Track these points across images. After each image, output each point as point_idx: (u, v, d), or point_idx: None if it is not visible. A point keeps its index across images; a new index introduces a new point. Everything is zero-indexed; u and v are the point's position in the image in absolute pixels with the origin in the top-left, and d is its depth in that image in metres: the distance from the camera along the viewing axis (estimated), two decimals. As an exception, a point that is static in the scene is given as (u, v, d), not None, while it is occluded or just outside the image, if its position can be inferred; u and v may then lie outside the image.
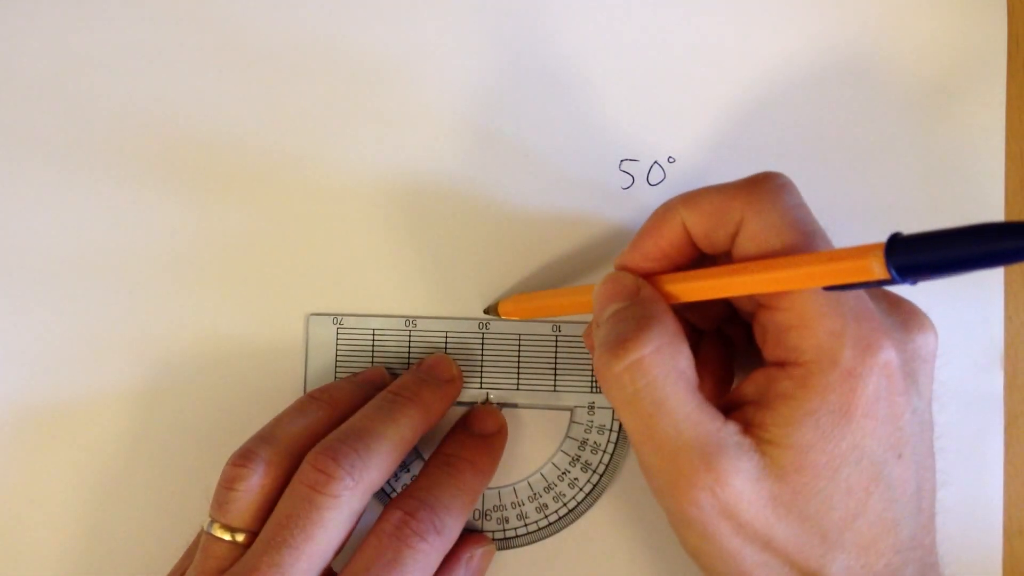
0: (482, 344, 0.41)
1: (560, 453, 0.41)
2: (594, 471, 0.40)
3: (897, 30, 0.42)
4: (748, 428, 0.31)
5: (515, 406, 0.41)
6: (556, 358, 0.41)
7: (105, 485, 0.41)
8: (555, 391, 0.41)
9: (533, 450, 0.41)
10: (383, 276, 0.41)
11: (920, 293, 0.41)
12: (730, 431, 0.31)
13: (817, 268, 0.29)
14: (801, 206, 0.32)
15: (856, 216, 0.41)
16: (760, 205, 0.31)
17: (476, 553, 0.39)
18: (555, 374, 0.41)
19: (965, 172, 0.42)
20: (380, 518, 0.36)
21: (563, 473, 0.41)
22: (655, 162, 0.42)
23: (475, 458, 0.39)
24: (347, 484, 0.34)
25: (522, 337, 0.41)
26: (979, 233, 0.24)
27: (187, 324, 0.41)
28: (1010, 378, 0.42)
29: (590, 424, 0.41)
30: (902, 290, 0.30)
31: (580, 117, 0.42)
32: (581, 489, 0.40)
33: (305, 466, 0.34)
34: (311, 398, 0.38)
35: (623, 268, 0.35)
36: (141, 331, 0.41)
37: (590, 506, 0.40)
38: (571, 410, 0.41)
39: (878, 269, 0.26)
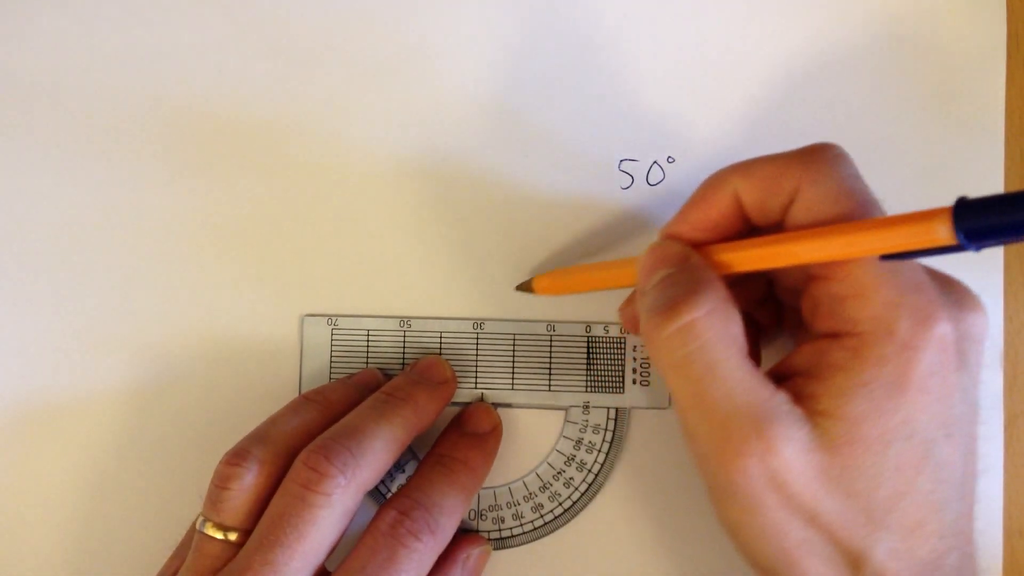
0: (476, 344, 0.41)
1: (555, 453, 0.41)
2: (589, 470, 0.40)
3: (897, 30, 0.42)
4: (799, 399, 0.30)
5: (510, 406, 0.41)
6: (551, 358, 0.41)
7: (98, 484, 0.41)
8: (550, 391, 0.41)
9: (528, 450, 0.41)
10: (378, 277, 0.41)
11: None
12: (781, 399, 0.30)
13: (880, 233, 0.28)
14: (857, 177, 0.31)
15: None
16: (817, 175, 0.31)
17: (473, 553, 0.39)
18: (550, 374, 0.41)
19: (965, 172, 0.42)
20: (375, 517, 0.35)
21: (559, 472, 0.41)
22: (654, 162, 0.42)
23: (469, 457, 0.39)
24: (339, 482, 0.33)
25: (516, 337, 0.41)
26: None
27: (182, 324, 0.42)
28: (1010, 378, 0.41)
29: (585, 423, 0.41)
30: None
31: (579, 117, 0.42)
32: (577, 488, 0.40)
33: (297, 464, 0.34)
34: (305, 399, 0.38)
35: (670, 237, 0.34)
36: (135, 331, 0.42)
37: (586, 505, 0.40)
38: (566, 409, 0.41)
39: (945, 233, 0.26)
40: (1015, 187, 0.42)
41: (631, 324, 0.38)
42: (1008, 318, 0.42)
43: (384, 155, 0.42)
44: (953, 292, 0.32)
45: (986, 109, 0.42)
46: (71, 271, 0.42)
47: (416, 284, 0.41)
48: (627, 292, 0.39)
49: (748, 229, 0.34)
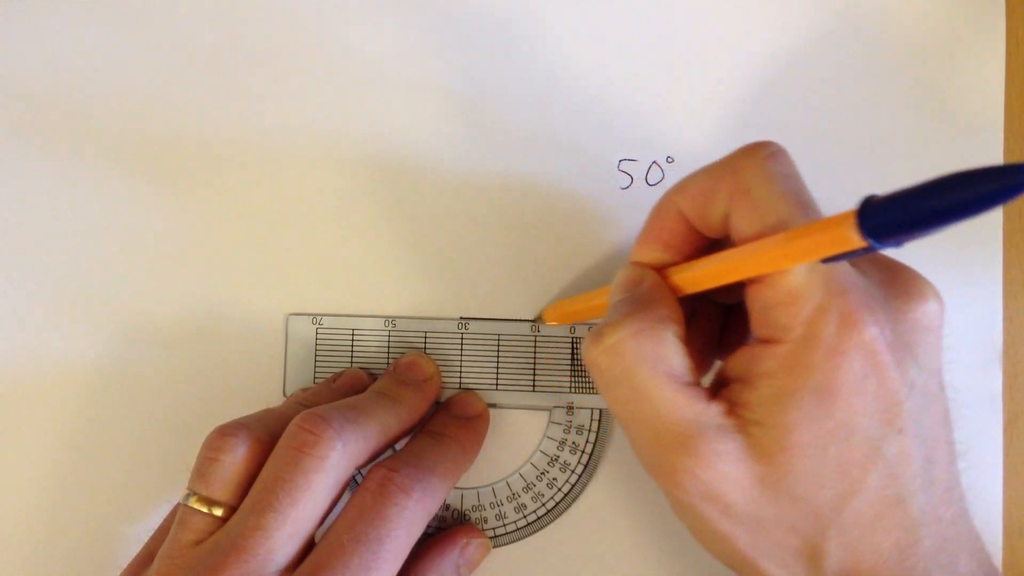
0: (461, 344, 0.41)
1: (539, 453, 0.41)
2: (572, 471, 0.40)
3: (896, 30, 0.42)
4: (732, 408, 0.30)
5: (494, 406, 0.41)
6: (535, 358, 0.41)
7: (78, 479, 0.42)
8: (534, 391, 0.41)
9: (512, 450, 0.41)
10: (363, 276, 0.42)
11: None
12: (712, 412, 0.30)
13: (793, 245, 0.28)
14: (789, 176, 0.31)
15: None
16: (745, 184, 0.31)
17: (473, 542, 0.39)
18: (534, 374, 0.41)
19: (965, 172, 0.41)
20: (364, 478, 0.35)
21: (542, 473, 0.41)
22: (654, 162, 0.41)
23: (459, 435, 0.38)
24: (335, 446, 0.33)
25: (501, 337, 0.41)
26: (947, 184, 0.23)
27: (167, 323, 0.42)
28: (1009, 378, 0.41)
29: (569, 424, 0.41)
30: (906, 256, 0.29)
31: (578, 117, 0.42)
32: (560, 489, 0.40)
33: (292, 427, 0.33)
34: (295, 402, 0.38)
35: (636, 262, 0.34)
36: (121, 328, 0.42)
37: (569, 505, 0.40)
38: (550, 410, 0.41)
39: (854, 237, 0.25)
40: (1014, 187, 0.41)
41: None
42: (1008, 318, 0.41)
43: (375, 155, 0.42)
44: (896, 284, 0.31)
45: (986, 109, 0.41)
46: (60, 265, 0.42)
47: (402, 283, 0.42)
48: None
49: (709, 242, 0.34)
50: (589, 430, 0.40)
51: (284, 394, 0.41)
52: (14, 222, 0.42)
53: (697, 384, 0.31)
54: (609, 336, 0.31)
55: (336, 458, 0.33)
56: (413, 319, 0.41)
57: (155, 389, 0.42)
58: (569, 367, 0.41)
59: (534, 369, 0.41)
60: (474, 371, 0.41)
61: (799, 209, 0.30)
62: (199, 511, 0.34)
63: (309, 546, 0.33)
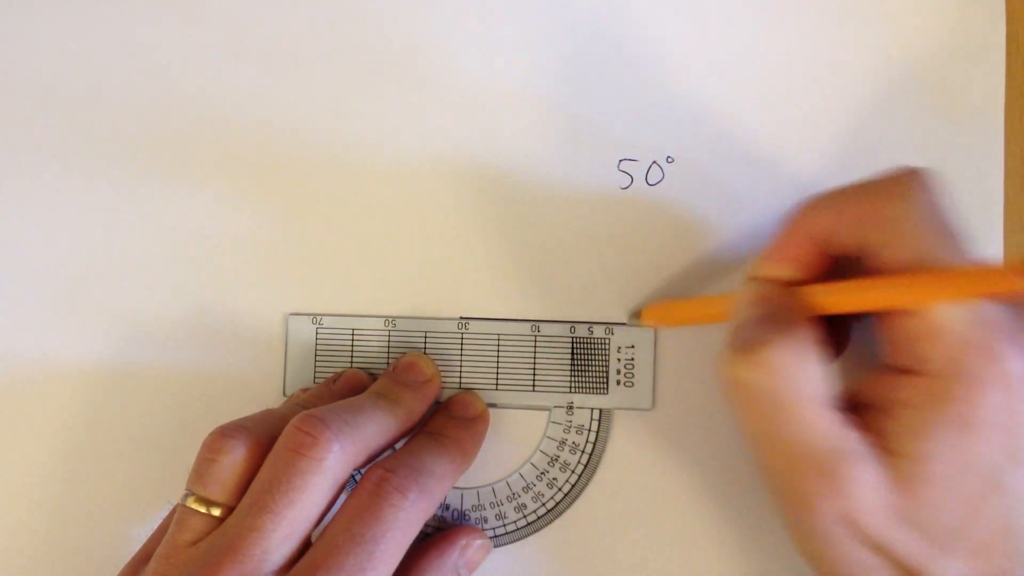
0: (461, 344, 0.41)
1: (539, 453, 0.41)
2: (572, 471, 0.40)
3: (896, 30, 0.41)
4: (870, 434, 0.31)
5: (494, 406, 0.41)
6: (535, 358, 0.41)
7: (78, 479, 0.42)
8: (534, 391, 0.41)
9: (512, 450, 0.41)
10: (363, 276, 0.42)
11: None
12: (853, 438, 0.31)
13: (954, 284, 0.29)
14: (939, 207, 0.31)
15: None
16: (895, 212, 0.31)
17: (473, 543, 0.39)
18: (534, 374, 0.41)
19: (965, 172, 0.41)
20: (361, 479, 0.34)
21: (542, 473, 0.40)
22: (654, 162, 0.41)
23: (459, 436, 0.38)
24: (332, 448, 0.33)
25: (501, 337, 0.41)
26: None
27: (167, 323, 0.42)
28: (1010, 379, 0.41)
29: (569, 424, 0.40)
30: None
31: (578, 117, 0.42)
32: (560, 489, 0.40)
33: (289, 429, 0.33)
34: (295, 403, 0.38)
35: (761, 275, 0.35)
36: (119, 326, 0.42)
37: (569, 505, 0.40)
38: (550, 410, 0.41)
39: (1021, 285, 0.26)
40: (1015, 187, 0.41)
41: None
42: (1009, 319, 0.41)
43: (375, 155, 0.42)
44: None
45: (986, 109, 0.41)
46: (59, 265, 0.42)
47: (402, 283, 0.42)
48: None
49: (834, 261, 0.34)
50: (589, 430, 0.40)
51: (284, 394, 0.41)
52: (14, 222, 0.42)
53: (838, 408, 0.31)
54: (758, 352, 0.31)
55: (333, 460, 0.33)
56: (413, 319, 0.41)
57: (155, 389, 0.42)
58: (569, 367, 0.41)
59: (534, 369, 0.41)
60: (474, 371, 0.41)
61: (950, 244, 0.31)
62: (197, 511, 0.34)
63: (305, 547, 0.33)
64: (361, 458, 0.35)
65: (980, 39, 0.41)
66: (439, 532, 0.40)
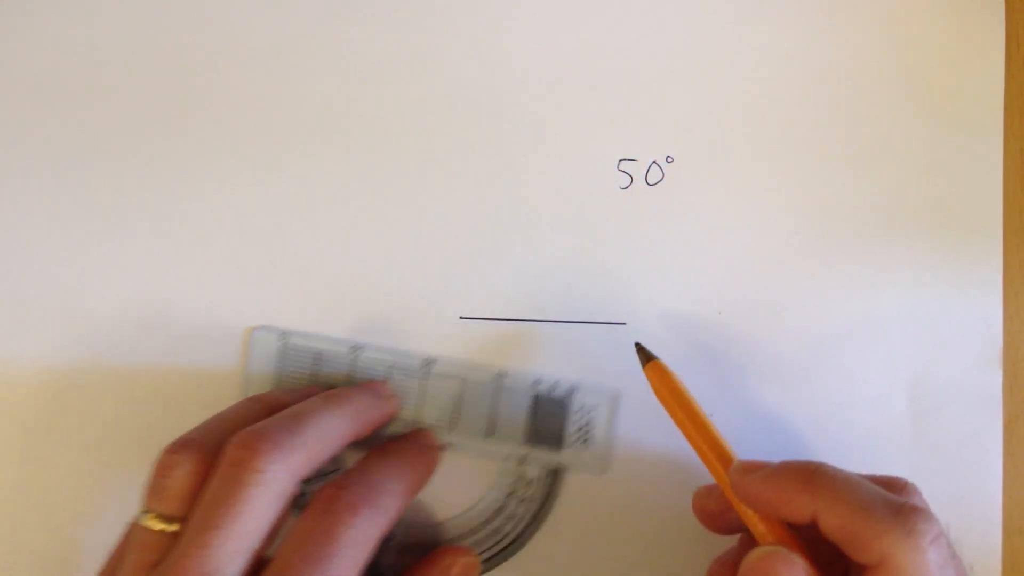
0: (425, 382, 0.40)
1: (486, 500, 0.40)
2: (517, 523, 0.40)
3: (896, 30, 0.42)
4: None
5: (447, 447, 0.40)
6: (495, 406, 0.40)
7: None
8: (490, 438, 0.40)
9: (460, 495, 0.41)
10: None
11: (920, 292, 0.41)
12: None
13: None
14: (945, 567, 0.32)
15: (856, 216, 0.41)
16: (899, 559, 0.31)
17: (458, 562, 0.38)
18: (492, 421, 0.40)
19: (965, 172, 0.42)
20: (312, 498, 0.34)
21: (486, 521, 0.40)
22: (653, 161, 0.41)
23: (412, 456, 0.38)
24: (272, 459, 0.32)
25: (466, 381, 0.40)
26: None
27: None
28: (1009, 378, 0.41)
29: (519, 476, 0.40)
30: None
31: (578, 117, 0.41)
32: (500, 541, 0.40)
33: (229, 447, 0.33)
34: (252, 399, 0.38)
35: (738, 483, 0.35)
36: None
37: (508, 558, 0.40)
38: (503, 459, 0.40)
39: None
40: (1014, 187, 0.41)
41: (703, 515, 0.38)
42: (1008, 318, 0.41)
43: (372, 155, 0.41)
44: None
45: (985, 109, 0.42)
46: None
47: (401, 280, 0.41)
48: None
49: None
50: (539, 485, 0.40)
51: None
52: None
53: None
54: None
55: (275, 471, 0.33)
56: (379, 351, 0.40)
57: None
58: (527, 420, 0.40)
59: (492, 417, 0.40)
60: (433, 410, 0.40)
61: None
62: (154, 529, 0.33)
63: (257, 563, 0.33)
64: (308, 466, 0.34)
65: (980, 39, 0.42)
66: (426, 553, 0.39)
